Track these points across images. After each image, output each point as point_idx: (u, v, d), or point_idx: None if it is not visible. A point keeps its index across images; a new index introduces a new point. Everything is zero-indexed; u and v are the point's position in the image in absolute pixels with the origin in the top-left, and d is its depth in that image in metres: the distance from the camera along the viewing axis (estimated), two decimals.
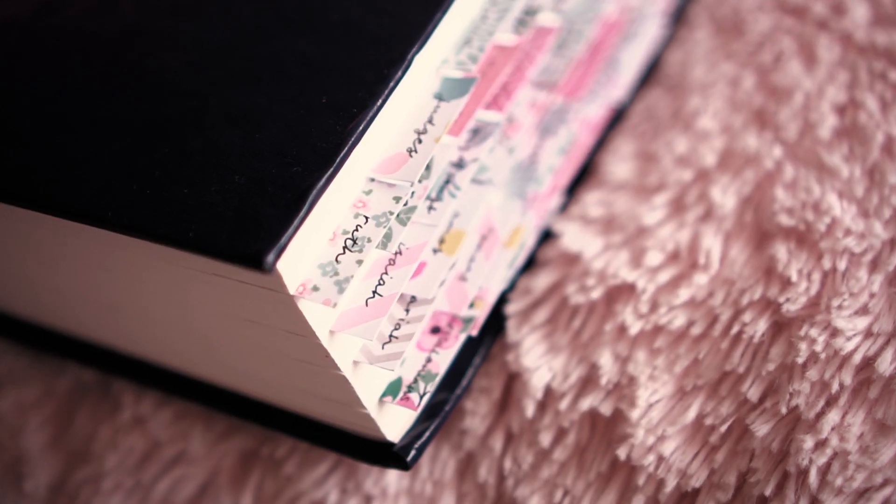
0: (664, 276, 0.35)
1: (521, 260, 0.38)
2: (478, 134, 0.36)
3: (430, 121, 0.34)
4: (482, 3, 0.36)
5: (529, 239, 0.38)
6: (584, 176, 0.41)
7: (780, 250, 0.34)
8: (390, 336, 0.33)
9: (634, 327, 0.35)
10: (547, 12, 0.38)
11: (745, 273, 0.35)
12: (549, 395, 0.35)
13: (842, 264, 0.33)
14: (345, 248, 0.31)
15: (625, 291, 0.36)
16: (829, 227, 0.34)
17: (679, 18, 0.45)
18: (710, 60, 0.41)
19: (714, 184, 0.37)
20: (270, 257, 0.28)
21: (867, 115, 0.37)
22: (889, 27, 0.40)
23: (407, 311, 0.34)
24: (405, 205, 0.32)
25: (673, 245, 0.36)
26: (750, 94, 0.40)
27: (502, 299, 0.38)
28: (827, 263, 0.33)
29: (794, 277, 0.34)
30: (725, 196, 0.37)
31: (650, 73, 0.43)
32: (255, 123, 0.32)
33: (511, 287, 0.38)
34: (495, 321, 0.37)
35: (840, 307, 0.32)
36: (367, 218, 0.32)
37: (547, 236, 0.39)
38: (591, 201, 0.39)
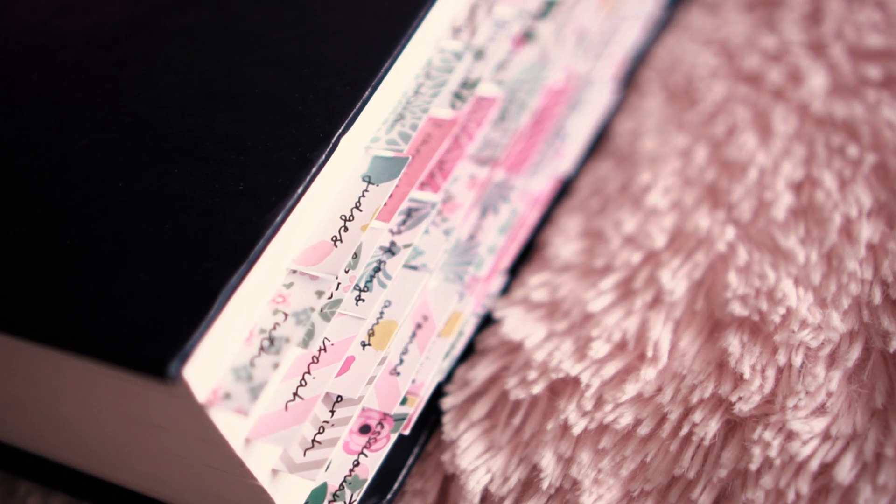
0: (610, 370, 0.34)
1: (458, 349, 0.36)
2: (412, 216, 0.34)
3: (358, 206, 0.32)
4: (416, 77, 0.35)
5: (468, 326, 0.37)
6: (528, 255, 0.39)
7: (733, 343, 0.33)
8: (313, 441, 0.31)
9: (578, 426, 0.33)
10: (486, 83, 0.37)
11: (695, 367, 0.33)
12: (488, 499, 0.33)
13: (797, 359, 0.32)
14: (261, 349, 0.29)
15: (568, 385, 0.34)
16: (784, 318, 0.33)
17: (630, 83, 0.43)
18: (662, 131, 0.40)
19: (664, 267, 0.36)
20: (174, 365, 0.27)
21: (824, 194, 0.36)
22: (848, 97, 0.39)
23: (332, 412, 0.32)
24: (329, 298, 0.31)
25: (620, 334, 0.34)
26: (702, 168, 0.38)
27: (438, 391, 0.36)
28: (782, 358, 0.32)
29: (747, 373, 0.32)
30: (675, 280, 0.35)
31: (599, 143, 0.42)
32: (167, 211, 0.30)
33: (448, 378, 0.36)
34: (431, 415, 0.36)
35: (796, 407, 0.31)
36: (286, 315, 0.30)
37: (487, 321, 0.37)
38: (535, 283, 0.37)
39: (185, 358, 0.27)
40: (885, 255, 0.34)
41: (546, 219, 0.40)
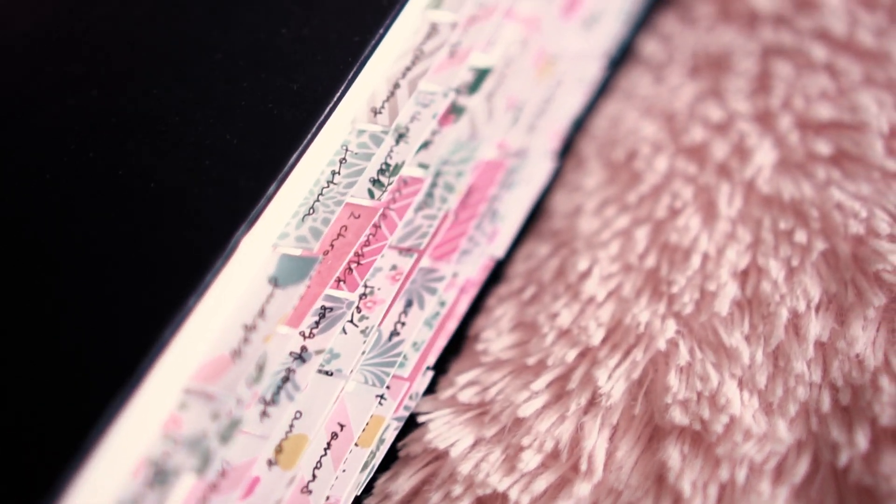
0: (541, 484, 0.32)
1: (379, 458, 0.34)
2: (326, 317, 0.32)
3: (262, 313, 0.30)
4: (330, 164, 0.33)
5: (389, 431, 0.34)
6: (457, 347, 0.37)
7: (673, 455, 0.31)
8: None
9: None
10: (410, 166, 0.35)
11: (632, 481, 0.31)
12: None
13: (741, 474, 0.30)
14: (149, 483, 0.27)
15: (497, 500, 0.32)
16: (728, 428, 0.31)
17: (568, 154, 0.41)
18: (601, 210, 0.38)
19: (600, 365, 0.34)
20: None
21: (771, 285, 0.34)
22: (796, 174, 0.37)
23: None
24: (228, 418, 0.28)
25: (552, 443, 0.32)
26: (642, 254, 0.36)
27: None
28: (725, 473, 0.30)
29: (688, 491, 0.30)
30: (612, 381, 0.33)
31: (535, 222, 0.40)
32: (48, 327, 0.28)
33: (367, 491, 0.34)
34: None
35: None
36: (178, 441, 0.27)
37: (411, 424, 0.35)
38: (464, 381, 0.35)
39: None
40: (834, 354, 0.32)
41: (477, 306, 0.38)
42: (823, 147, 0.37)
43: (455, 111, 0.37)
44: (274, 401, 0.30)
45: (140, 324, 0.27)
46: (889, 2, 0.41)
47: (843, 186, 0.36)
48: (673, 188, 0.38)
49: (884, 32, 0.40)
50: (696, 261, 0.35)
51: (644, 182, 0.38)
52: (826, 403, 0.31)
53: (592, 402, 0.33)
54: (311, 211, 0.32)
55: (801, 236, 0.35)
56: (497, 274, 0.39)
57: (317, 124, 0.31)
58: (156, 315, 0.27)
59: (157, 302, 0.28)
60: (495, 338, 0.36)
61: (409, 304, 0.35)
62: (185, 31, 0.34)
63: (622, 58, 0.44)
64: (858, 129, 0.38)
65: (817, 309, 0.33)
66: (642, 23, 0.45)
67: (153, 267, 0.29)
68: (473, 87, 0.37)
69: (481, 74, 0.37)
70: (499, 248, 0.38)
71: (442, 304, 0.36)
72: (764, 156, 0.38)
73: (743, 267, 0.35)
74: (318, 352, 0.31)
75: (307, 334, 0.31)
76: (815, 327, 0.33)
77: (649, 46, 0.44)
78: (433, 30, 0.36)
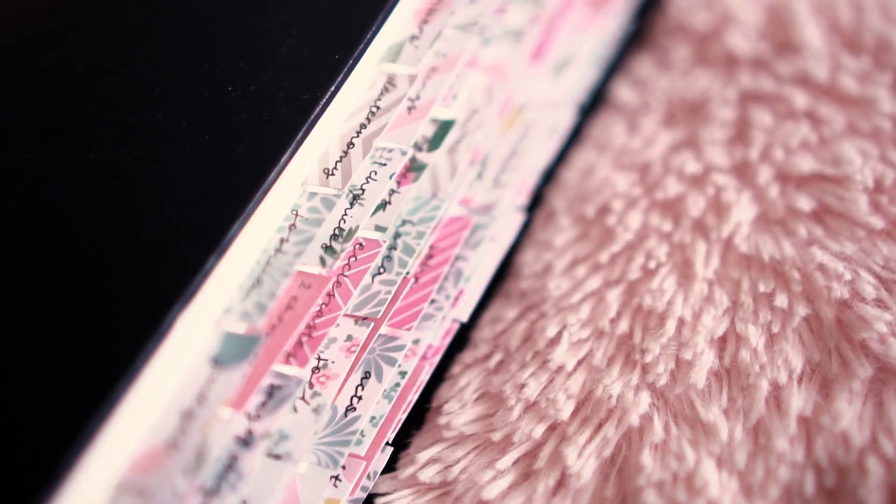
0: None
1: None
2: (273, 396, 0.30)
3: (201, 397, 0.28)
4: (278, 230, 0.31)
5: None
6: (419, 421, 0.35)
7: None
8: None
9: None
10: (366, 229, 0.33)
11: None
12: None
13: None
14: None
15: None
16: None
17: (538, 208, 0.40)
18: (571, 271, 0.37)
19: (570, 442, 0.32)
20: None
21: (750, 353, 0.32)
22: (776, 231, 0.35)
23: None
24: None
25: None
26: (614, 318, 0.35)
27: None
28: None
29: None
30: (582, 460, 0.31)
31: (502, 284, 0.38)
32: None
33: None
34: None
35: None
36: None
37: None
38: (425, 458, 0.33)
39: None
40: (818, 431, 0.30)
41: (440, 374, 0.36)
42: (804, 202, 0.36)
43: (415, 168, 0.35)
44: (216, 489, 0.28)
45: (66, 416, 0.25)
46: (873, 44, 0.40)
47: (825, 245, 0.34)
48: (646, 246, 0.36)
49: (868, 77, 0.39)
50: (671, 327, 0.34)
51: (616, 240, 0.37)
52: (810, 486, 0.29)
53: (561, 483, 0.31)
54: (258, 283, 0.30)
55: (781, 300, 0.33)
56: (462, 337, 0.37)
57: (262, 189, 0.29)
58: (83, 406, 0.25)
59: (83, 391, 0.26)
60: (459, 410, 0.34)
61: (366, 375, 0.33)
62: (124, 90, 0.32)
63: (594, 105, 0.43)
64: (841, 183, 0.36)
65: (800, 380, 0.32)
66: (616, 67, 0.44)
67: (80, 352, 0.27)
68: (434, 142, 0.35)
69: (443, 128, 0.36)
70: (463, 312, 0.37)
71: (402, 374, 0.34)
72: (742, 211, 0.36)
73: (721, 333, 0.33)
74: (265, 435, 0.29)
75: (253, 416, 0.29)
76: (798, 401, 0.31)
77: (623, 92, 0.42)
78: (390, 83, 0.34)
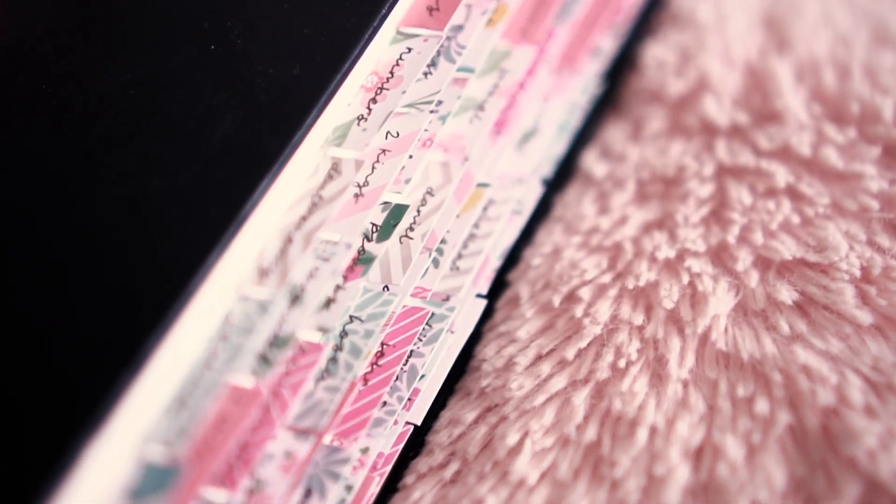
0: None
1: None
2: None
3: None
4: (206, 341, 0.28)
5: None
6: None
7: None
8: None
9: None
10: (307, 330, 0.30)
11: None
12: None
13: None
14: None
15: None
16: None
17: (500, 297, 0.37)
18: (535, 367, 0.34)
19: None
20: None
21: (728, 468, 0.30)
22: (757, 325, 0.33)
23: None
24: None
25: None
26: (581, 424, 0.32)
27: None
28: None
29: None
30: None
31: (461, 380, 0.35)
32: None
33: None
34: None
35: None
36: None
37: None
38: None
39: None
40: None
41: (392, 483, 0.33)
42: (786, 293, 0.33)
43: (363, 261, 0.32)
44: None
45: None
46: (859, 113, 0.38)
47: (809, 342, 0.32)
48: (616, 341, 0.34)
49: (854, 150, 0.37)
50: (642, 436, 0.31)
51: (584, 334, 0.34)
52: None
53: None
54: (181, 404, 0.27)
55: (762, 405, 0.31)
56: (416, 445, 0.34)
57: (186, 296, 0.27)
58: None
59: None
60: None
61: (307, 494, 0.31)
62: (38, 187, 0.30)
63: (562, 179, 0.40)
64: (826, 272, 0.34)
65: (783, 497, 0.29)
66: (585, 137, 0.41)
67: None
68: (385, 230, 0.33)
69: (394, 215, 0.33)
70: (417, 415, 0.34)
71: (348, 489, 0.32)
72: (719, 303, 0.34)
73: (696, 444, 0.31)
74: None
75: None
76: None
77: (593, 165, 0.40)
78: (335, 169, 0.32)
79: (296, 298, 0.30)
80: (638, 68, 0.43)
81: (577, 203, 0.39)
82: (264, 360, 0.29)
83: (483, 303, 0.36)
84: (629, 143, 0.40)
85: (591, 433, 0.32)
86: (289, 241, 0.30)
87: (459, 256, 0.36)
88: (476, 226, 0.37)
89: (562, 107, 0.40)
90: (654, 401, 0.32)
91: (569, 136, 0.41)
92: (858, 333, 0.32)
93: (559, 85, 0.40)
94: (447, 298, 0.35)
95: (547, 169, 0.40)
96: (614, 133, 0.41)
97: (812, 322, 0.33)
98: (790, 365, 0.31)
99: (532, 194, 0.39)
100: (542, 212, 0.39)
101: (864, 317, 0.32)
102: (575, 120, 0.41)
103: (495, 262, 0.37)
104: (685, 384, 0.32)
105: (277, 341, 0.29)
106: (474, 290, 0.36)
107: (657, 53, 0.42)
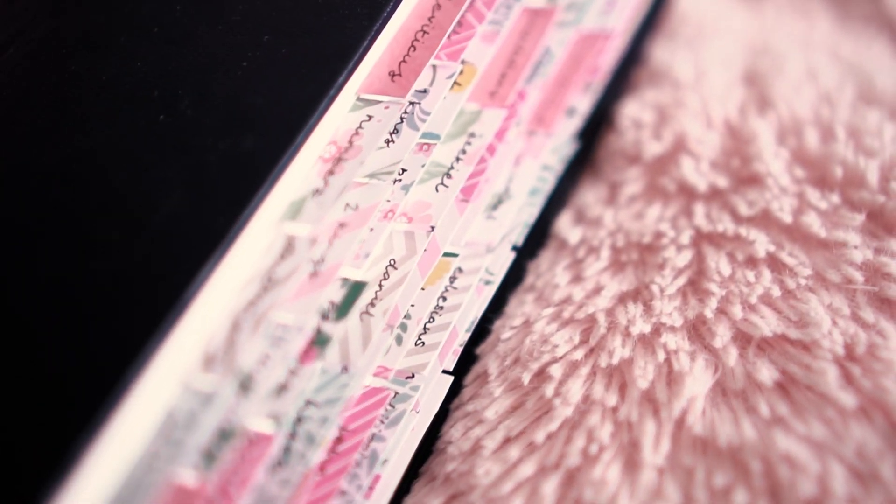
0: None
1: None
2: None
3: None
4: (149, 441, 0.26)
5: None
6: None
7: None
8: None
9: None
10: (258, 418, 0.29)
11: None
12: None
13: None
14: None
15: None
16: None
17: (467, 373, 0.35)
18: (503, 452, 0.32)
19: None
20: None
21: None
22: (735, 407, 0.31)
23: None
24: None
25: None
26: None
27: None
28: None
29: None
30: None
31: (426, 464, 0.34)
32: None
33: None
34: None
35: None
36: None
37: None
38: None
39: None
40: None
41: None
42: (766, 373, 0.32)
43: (319, 342, 0.31)
44: None
45: None
46: (843, 177, 0.36)
47: (791, 427, 0.30)
48: (588, 424, 0.32)
49: (837, 216, 0.35)
50: None
51: (554, 416, 0.33)
52: None
53: None
54: None
55: (741, 497, 0.29)
56: None
57: (122, 390, 0.25)
58: None
59: None
60: None
61: None
62: None
63: (535, 246, 0.39)
64: (808, 350, 0.32)
65: None
66: (559, 204, 0.40)
67: None
68: (343, 308, 0.31)
69: (353, 292, 0.32)
70: (380, 501, 0.32)
71: None
72: (696, 383, 0.32)
73: None
74: None
75: None
76: None
77: (567, 232, 0.39)
78: (289, 247, 0.30)
79: (244, 386, 0.28)
80: (615, 127, 0.41)
81: (550, 270, 0.37)
82: (209, 456, 0.27)
83: (450, 379, 0.35)
84: (604, 206, 0.39)
85: None
86: (237, 325, 0.29)
87: (425, 331, 0.34)
88: (443, 298, 0.35)
89: (534, 169, 0.39)
90: (628, 490, 0.30)
91: (541, 200, 0.39)
92: (842, 417, 0.30)
93: (531, 147, 0.39)
94: (411, 376, 0.34)
95: (518, 235, 0.38)
96: (589, 196, 0.40)
97: (794, 403, 0.31)
98: (770, 451, 0.30)
99: (502, 262, 0.37)
100: (513, 280, 0.38)
101: (848, 399, 0.30)
102: (548, 183, 0.39)
103: (463, 336, 0.36)
104: (660, 472, 0.31)
105: (224, 434, 0.28)
106: (440, 366, 0.35)
107: (633, 113, 0.41)
